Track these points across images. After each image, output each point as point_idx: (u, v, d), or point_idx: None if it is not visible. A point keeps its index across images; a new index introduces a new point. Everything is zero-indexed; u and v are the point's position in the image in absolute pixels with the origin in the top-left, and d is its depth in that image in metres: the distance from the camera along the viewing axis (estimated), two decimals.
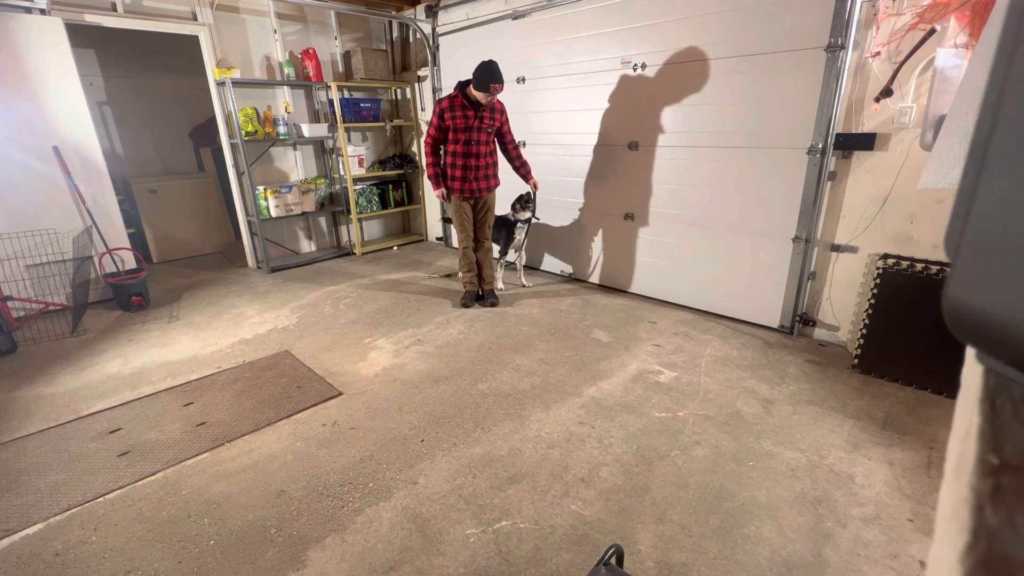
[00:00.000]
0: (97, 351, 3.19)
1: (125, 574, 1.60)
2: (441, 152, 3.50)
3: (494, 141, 3.55)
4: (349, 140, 5.34)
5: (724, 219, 3.31)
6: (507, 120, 3.54)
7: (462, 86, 3.32)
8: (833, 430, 2.22)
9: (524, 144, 4.45)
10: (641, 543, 1.66)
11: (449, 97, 3.33)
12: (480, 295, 3.86)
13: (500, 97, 3.48)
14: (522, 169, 3.66)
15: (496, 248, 4.00)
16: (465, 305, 3.78)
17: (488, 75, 3.17)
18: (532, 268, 4.74)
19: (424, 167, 5.75)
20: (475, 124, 3.34)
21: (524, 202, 3.85)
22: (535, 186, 3.72)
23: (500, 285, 4.09)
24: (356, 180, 5.41)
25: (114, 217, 4.05)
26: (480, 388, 2.64)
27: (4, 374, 2.91)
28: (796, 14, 2.71)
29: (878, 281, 2.56)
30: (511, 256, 4.13)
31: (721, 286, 3.45)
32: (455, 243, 3.83)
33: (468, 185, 3.47)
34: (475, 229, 3.68)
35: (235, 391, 2.67)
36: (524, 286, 4.19)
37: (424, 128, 5.57)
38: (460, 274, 3.86)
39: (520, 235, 3.94)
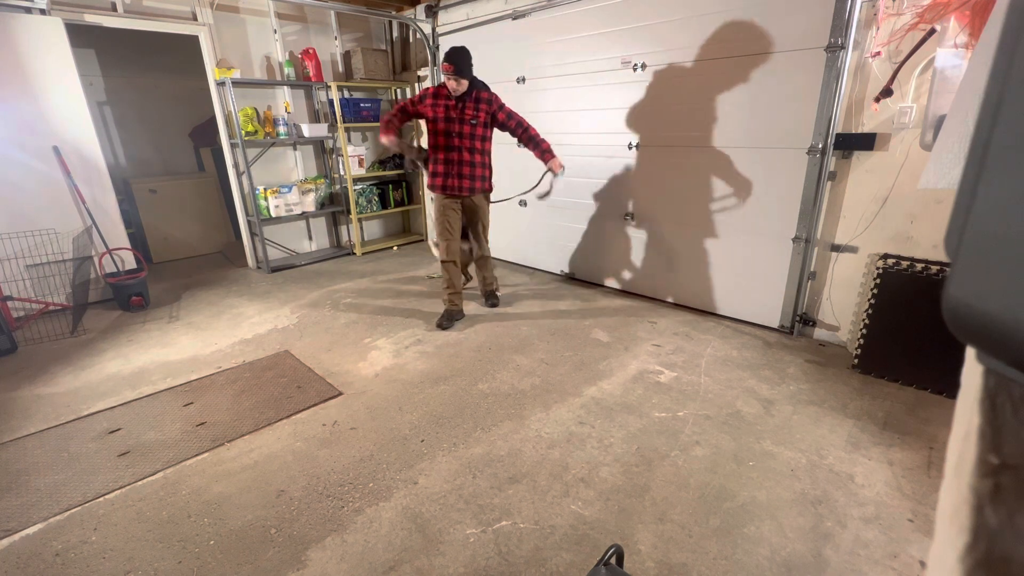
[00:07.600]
0: (97, 351, 3.19)
1: (125, 574, 1.60)
2: (407, 124, 3.20)
3: (486, 141, 3.26)
4: (349, 140, 5.34)
5: (724, 219, 3.31)
6: (502, 108, 3.20)
7: None
8: (833, 430, 2.22)
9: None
10: (641, 543, 1.66)
11: (436, 85, 3.19)
12: (483, 295, 3.84)
13: (498, 92, 3.35)
14: (538, 150, 3.22)
15: None
16: (440, 327, 3.35)
17: (444, 57, 2.98)
18: (532, 268, 4.74)
19: (423, 168, 5.75)
20: (455, 115, 3.11)
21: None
22: (556, 168, 3.21)
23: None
24: (356, 180, 5.40)
25: (114, 217, 4.05)
26: (480, 388, 2.64)
27: (4, 374, 2.91)
28: (796, 14, 2.71)
29: (878, 281, 2.56)
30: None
31: (721, 286, 3.45)
32: None
33: (451, 181, 3.22)
34: (472, 237, 3.54)
35: (235, 391, 2.66)
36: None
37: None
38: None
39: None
